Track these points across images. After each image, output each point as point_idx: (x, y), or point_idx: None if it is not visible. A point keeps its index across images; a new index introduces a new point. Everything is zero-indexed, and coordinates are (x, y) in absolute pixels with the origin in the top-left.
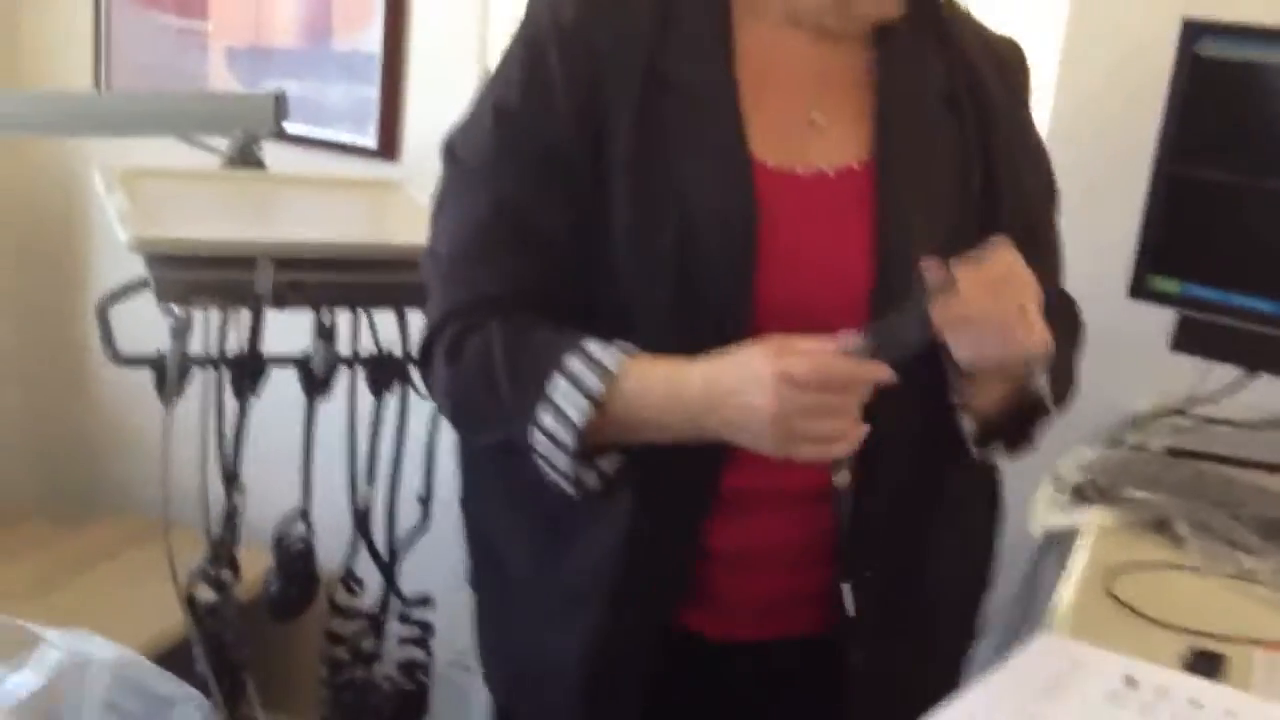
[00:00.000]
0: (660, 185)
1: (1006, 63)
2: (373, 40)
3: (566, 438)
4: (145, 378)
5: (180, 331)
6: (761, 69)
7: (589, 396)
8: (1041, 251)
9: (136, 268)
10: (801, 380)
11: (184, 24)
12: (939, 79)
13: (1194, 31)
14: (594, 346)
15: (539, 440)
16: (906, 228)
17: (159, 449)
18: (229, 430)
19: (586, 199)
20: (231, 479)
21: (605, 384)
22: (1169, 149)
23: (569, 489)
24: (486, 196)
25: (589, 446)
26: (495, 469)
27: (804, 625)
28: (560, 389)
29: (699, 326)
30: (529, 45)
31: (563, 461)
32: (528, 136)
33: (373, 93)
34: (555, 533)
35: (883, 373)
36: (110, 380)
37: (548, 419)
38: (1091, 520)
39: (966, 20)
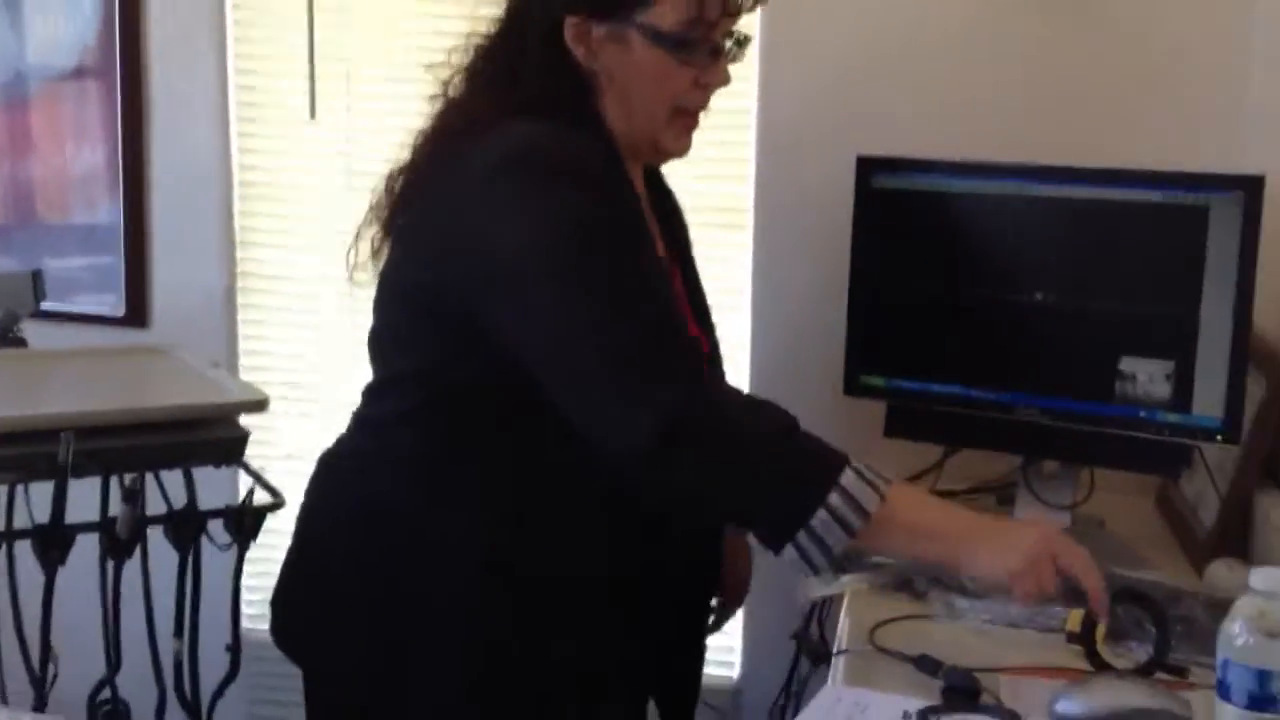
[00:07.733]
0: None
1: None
2: (105, 212)
3: (854, 520)
4: None
5: None
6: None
7: (878, 490)
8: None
9: None
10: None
11: None
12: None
13: (867, 167)
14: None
15: (820, 519)
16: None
17: None
18: (38, 601)
19: None
20: (46, 649)
21: (887, 487)
22: (859, 268)
23: (812, 566)
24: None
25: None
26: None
27: None
28: (849, 477)
29: None
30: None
31: (838, 539)
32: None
33: (113, 262)
34: None
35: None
36: None
37: (836, 500)
38: (850, 586)
39: None
